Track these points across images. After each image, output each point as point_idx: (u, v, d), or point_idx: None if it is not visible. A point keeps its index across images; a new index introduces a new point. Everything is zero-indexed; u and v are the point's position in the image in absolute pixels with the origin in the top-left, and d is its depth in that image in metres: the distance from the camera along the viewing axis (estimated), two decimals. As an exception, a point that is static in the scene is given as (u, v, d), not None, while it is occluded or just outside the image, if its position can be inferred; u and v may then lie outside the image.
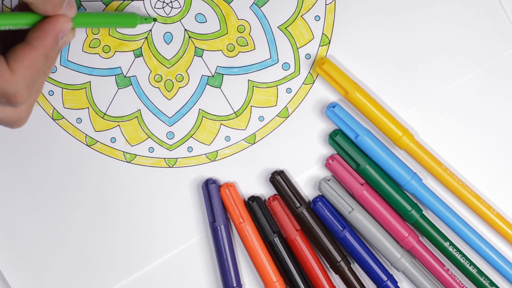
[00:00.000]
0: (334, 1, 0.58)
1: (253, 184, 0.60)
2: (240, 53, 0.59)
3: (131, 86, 0.59)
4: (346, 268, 0.58)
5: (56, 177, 0.60)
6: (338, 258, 0.58)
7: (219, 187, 0.59)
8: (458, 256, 0.58)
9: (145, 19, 0.58)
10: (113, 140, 0.60)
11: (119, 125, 0.60)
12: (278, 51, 0.58)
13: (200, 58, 0.59)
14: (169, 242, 0.61)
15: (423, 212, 0.58)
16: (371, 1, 0.58)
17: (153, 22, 0.58)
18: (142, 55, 0.59)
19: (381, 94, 0.58)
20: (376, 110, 0.57)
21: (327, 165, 0.58)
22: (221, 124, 0.59)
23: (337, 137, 0.57)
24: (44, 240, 0.61)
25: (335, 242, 0.58)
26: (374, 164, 0.57)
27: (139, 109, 0.60)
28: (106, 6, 0.58)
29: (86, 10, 0.58)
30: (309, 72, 0.59)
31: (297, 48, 0.58)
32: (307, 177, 0.59)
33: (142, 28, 0.59)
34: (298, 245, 0.58)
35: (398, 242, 0.58)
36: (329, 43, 0.58)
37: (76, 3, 0.58)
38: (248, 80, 0.59)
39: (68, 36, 0.49)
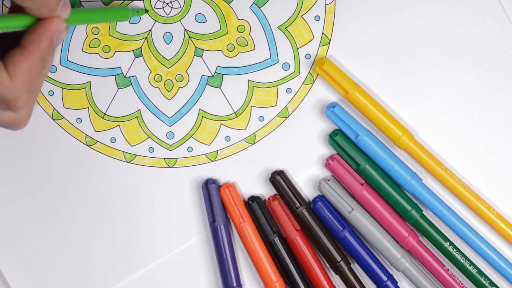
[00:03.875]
0: (334, 1, 0.58)
1: (253, 184, 0.60)
2: (240, 53, 0.59)
3: (131, 86, 0.59)
4: (346, 268, 0.58)
5: (56, 177, 0.60)
6: (338, 258, 0.58)
7: (219, 187, 0.59)
8: (458, 256, 0.58)
9: (137, 11, 0.57)
10: (113, 140, 0.60)
11: (119, 125, 0.60)
12: (278, 51, 0.58)
13: (200, 58, 0.59)
14: (169, 242, 0.61)
15: (423, 212, 0.58)
16: (371, 1, 0.58)
17: (145, 14, 0.58)
18: (142, 55, 0.59)
19: (381, 94, 0.58)
20: (376, 110, 0.57)
21: (327, 165, 0.58)
22: (221, 124, 0.59)
23: (337, 137, 0.57)
24: (44, 240, 0.61)
25: (335, 242, 0.58)
26: (374, 164, 0.57)
27: (139, 109, 0.60)
28: (106, 6, 0.58)
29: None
30: (309, 72, 0.59)
31: (297, 48, 0.58)
32: (307, 177, 0.59)
33: (142, 28, 0.59)
34: (298, 245, 0.58)
35: (398, 242, 0.58)
36: (329, 43, 0.58)
37: (76, 3, 0.58)
38: (248, 80, 0.59)
39: (61, 34, 0.49)
